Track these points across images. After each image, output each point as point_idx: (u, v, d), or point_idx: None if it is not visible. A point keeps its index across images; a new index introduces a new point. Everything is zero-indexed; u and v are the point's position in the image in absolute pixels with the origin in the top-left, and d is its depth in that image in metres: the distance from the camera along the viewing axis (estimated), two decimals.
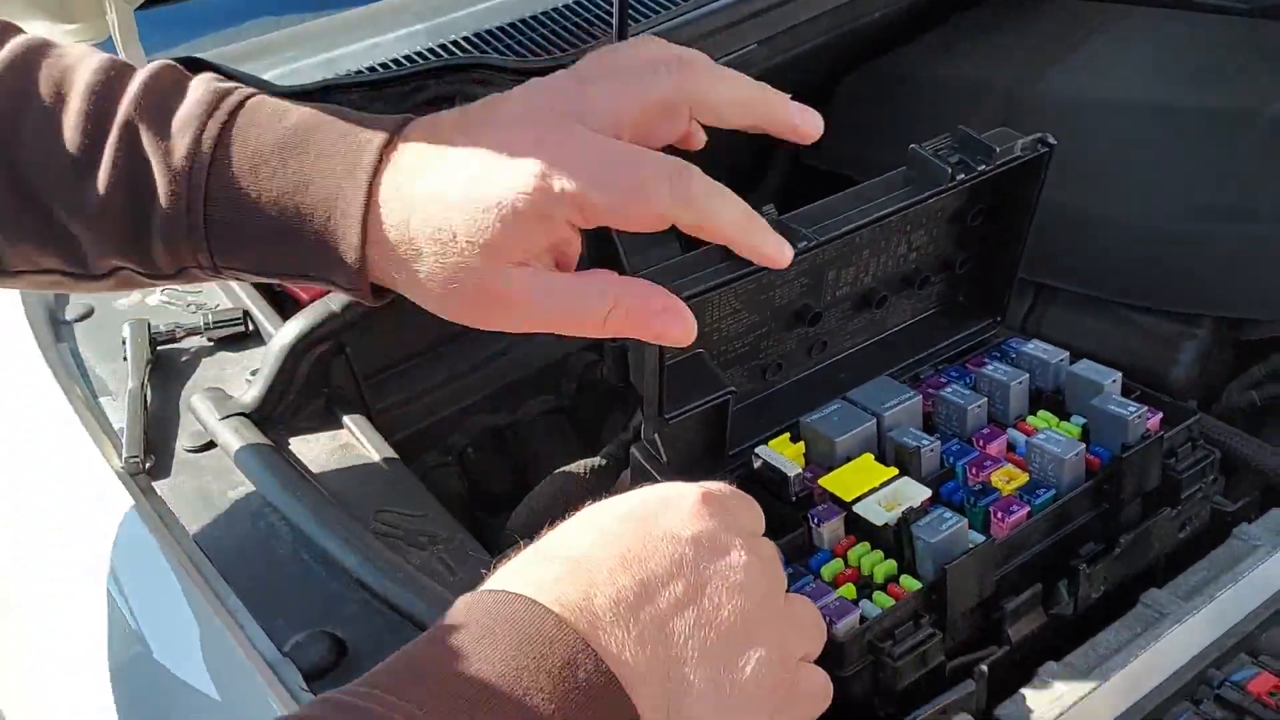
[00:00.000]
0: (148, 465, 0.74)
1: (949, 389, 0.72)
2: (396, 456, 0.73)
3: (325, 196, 0.55)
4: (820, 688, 0.51)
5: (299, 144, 0.56)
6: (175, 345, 0.87)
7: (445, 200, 0.53)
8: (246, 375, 0.81)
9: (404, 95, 1.06)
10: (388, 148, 0.55)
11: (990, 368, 0.73)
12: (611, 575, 0.45)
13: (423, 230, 0.54)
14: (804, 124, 0.60)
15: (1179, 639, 0.61)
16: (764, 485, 0.68)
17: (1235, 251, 0.86)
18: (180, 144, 0.56)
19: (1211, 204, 0.88)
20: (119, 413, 0.79)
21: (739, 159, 1.19)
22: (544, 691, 0.41)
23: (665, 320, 0.54)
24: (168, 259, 0.58)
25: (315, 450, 0.73)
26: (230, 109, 0.57)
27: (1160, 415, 0.68)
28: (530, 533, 0.72)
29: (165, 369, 0.84)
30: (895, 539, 0.62)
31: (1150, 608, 0.62)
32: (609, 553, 0.46)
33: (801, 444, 0.70)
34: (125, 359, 0.83)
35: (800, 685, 0.49)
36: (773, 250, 0.57)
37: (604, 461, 0.75)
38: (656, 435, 0.65)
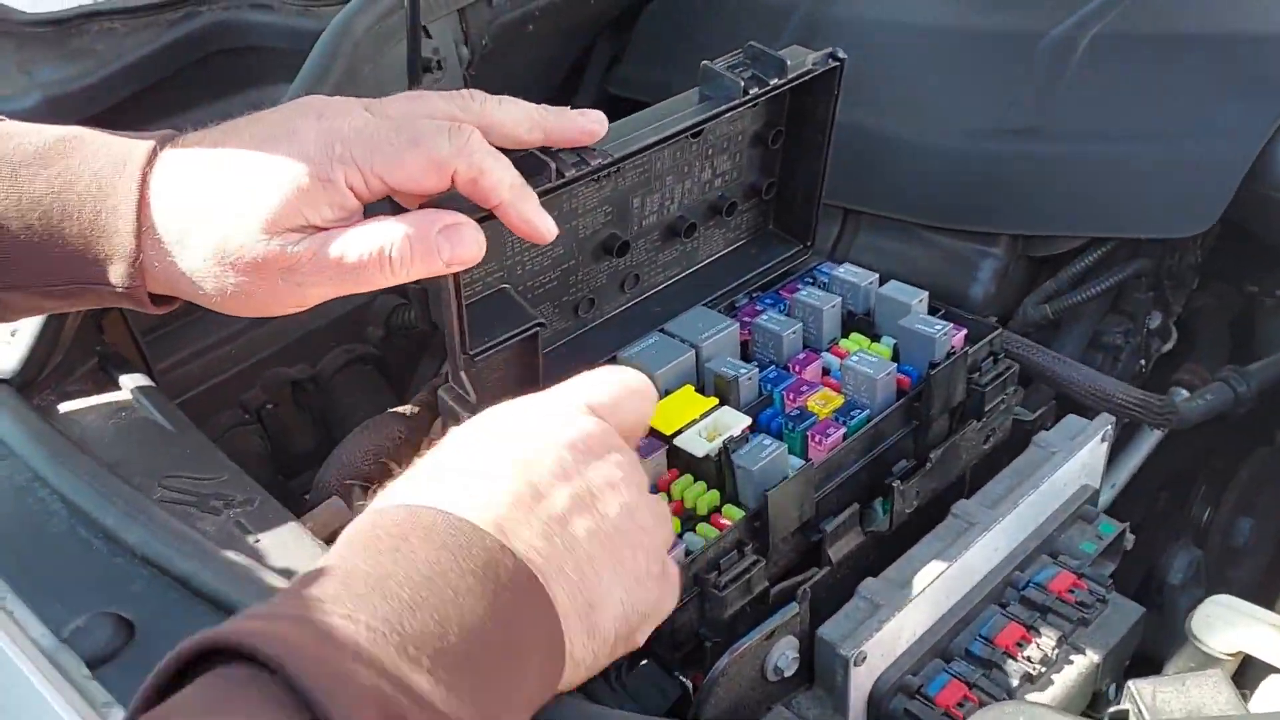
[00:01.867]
0: None
1: (764, 316, 0.72)
2: (184, 417, 0.67)
3: (94, 190, 0.53)
4: (677, 575, 0.53)
5: (62, 150, 0.54)
6: None
7: (221, 176, 0.52)
8: (6, 337, 0.72)
9: (174, 23, 0.97)
10: (159, 146, 0.54)
11: (804, 293, 0.74)
12: (509, 484, 0.46)
13: (199, 211, 0.53)
14: (589, 125, 0.61)
15: (986, 545, 0.64)
16: None
17: (1024, 170, 0.90)
18: None
19: (1000, 125, 0.90)
20: None
21: (546, 93, 1.15)
22: (473, 592, 0.41)
23: (450, 237, 0.53)
24: None
25: (90, 416, 0.66)
26: None
27: (964, 332, 0.70)
28: (341, 487, 0.69)
29: None
30: (716, 470, 0.62)
31: (960, 518, 0.64)
32: (501, 464, 0.47)
33: None
34: None
35: (668, 570, 0.51)
36: (540, 224, 0.57)
37: (415, 409, 0.71)
38: (464, 374, 0.62)
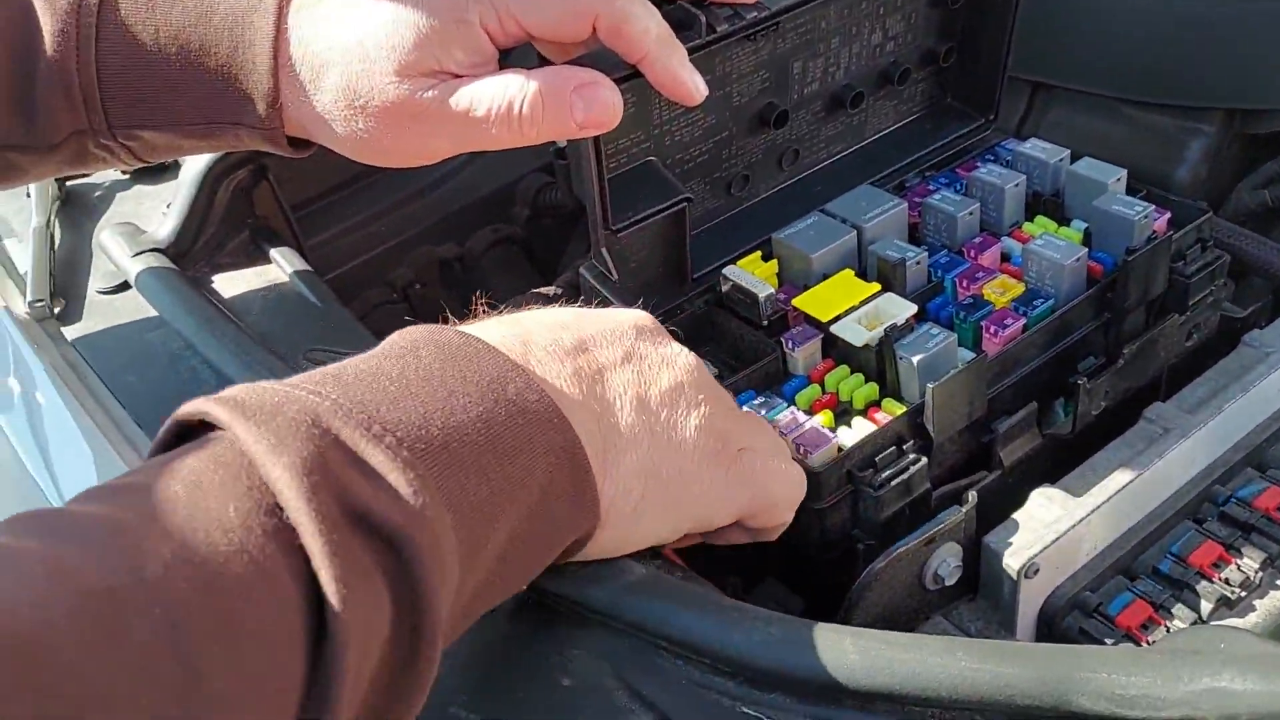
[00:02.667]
0: (56, 309, 0.67)
1: (937, 196, 0.66)
2: (330, 292, 0.66)
3: (231, 24, 0.52)
4: (779, 475, 0.49)
5: None
6: (87, 180, 0.79)
7: (356, 14, 0.50)
8: (163, 208, 0.73)
9: None
10: None
11: (983, 170, 0.67)
12: (549, 331, 0.44)
13: (333, 45, 0.51)
14: None
15: (1183, 455, 0.56)
16: (733, 309, 0.62)
17: (1244, 34, 0.78)
18: None
19: None
20: (26, 254, 0.72)
21: None
22: (469, 397, 0.38)
23: (585, 96, 0.49)
24: (56, 123, 0.54)
25: (239, 287, 0.66)
26: None
27: (1167, 216, 0.62)
28: None
29: (76, 205, 0.77)
30: (877, 360, 0.57)
31: (1153, 423, 0.57)
32: (549, 320, 0.45)
33: (774, 262, 0.64)
34: (29, 195, 0.75)
35: (745, 465, 0.48)
36: (689, 81, 0.52)
37: (559, 290, 0.68)
38: (605, 250, 0.58)
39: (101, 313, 0.67)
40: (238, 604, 0.30)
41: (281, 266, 0.67)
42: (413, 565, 0.33)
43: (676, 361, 0.47)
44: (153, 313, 0.65)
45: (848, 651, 0.40)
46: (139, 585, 0.29)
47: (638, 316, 0.48)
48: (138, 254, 0.66)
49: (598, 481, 0.42)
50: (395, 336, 0.42)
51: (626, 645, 0.43)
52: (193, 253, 0.68)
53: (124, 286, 0.67)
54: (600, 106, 0.50)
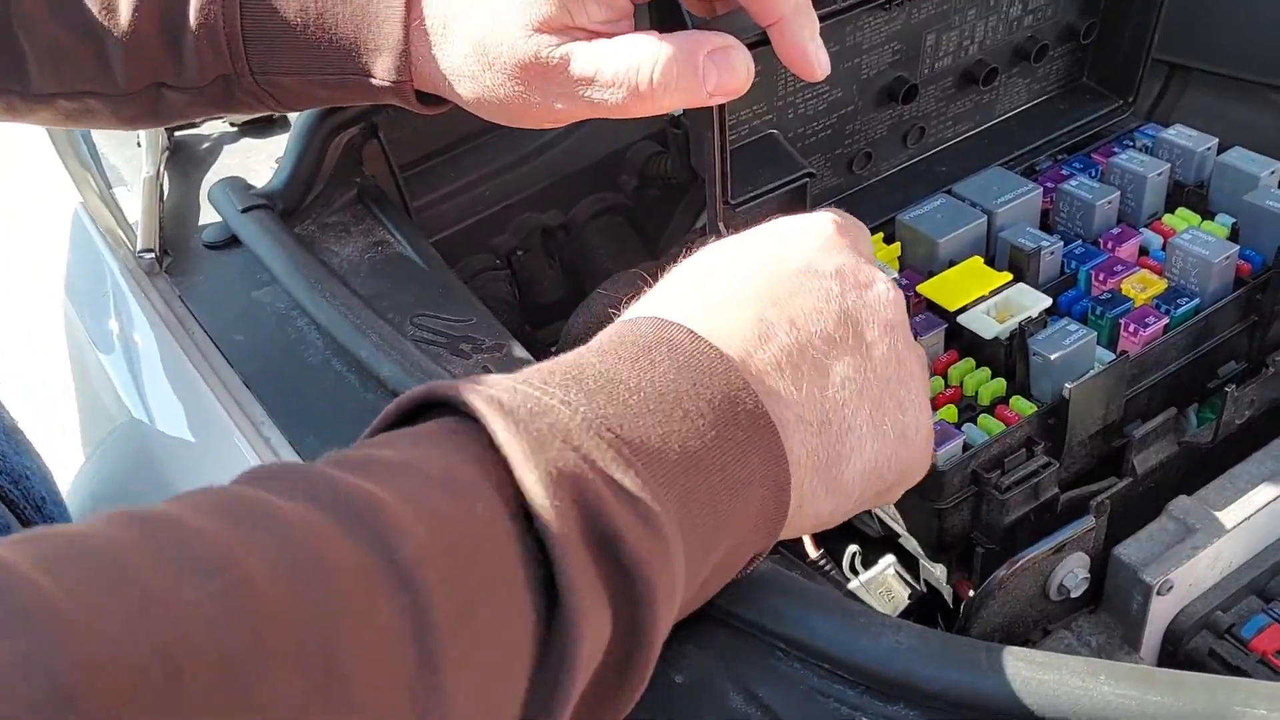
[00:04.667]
0: (165, 263, 0.67)
1: (1072, 182, 0.62)
2: (438, 256, 0.65)
3: None
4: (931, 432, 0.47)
5: None
6: (195, 131, 0.79)
7: None
8: (270, 163, 0.73)
9: None
10: None
11: (1124, 157, 0.63)
12: (760, 315, 0.41)
13: (464, 1, 0.49)
14: None
15: None
16: None
17: None
18: None
19: None
20: (135, 204, 0.72)
21: None
22: (704, 418, 0.37)
23: (719, 61, 0.47)
24: (203, 66, 0.54)
25: (347, 247, 0.65)
26: None
27: None
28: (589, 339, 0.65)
29: (184, 156, 0.77)
30: (1006, 355, 0.54)
31: None
32: (751, 293, 0.42)
33: (897, 245, 0.62)
34: (139, 145, 0.75)
35: (923, 443, 0.45)
36: (814, 55, 0.49)
37: (669, 264, 0.66)
38: (723, 226, 0.56)
39: (208, 267, 0.66)
40: (477, 602, 0.30)
41: (389, 228, 0.66)
42: (643, 599, 0.33)
43: (885, 316, 0.43)
44: (260, 270, 0.64)
45: (981, 666, 0.38)
46: (390, 566, 0.28)
47: (836, 257, 0.44)
48: (247, 209, 0.65)
49: (816, 498, 0.41)
50: (624, 330, 0.40)
51: (741, 644, 0.42)
52: (301, 209, 0.67)
53: (232, 241, 0.67)
54: (732, 73, 0.47)
